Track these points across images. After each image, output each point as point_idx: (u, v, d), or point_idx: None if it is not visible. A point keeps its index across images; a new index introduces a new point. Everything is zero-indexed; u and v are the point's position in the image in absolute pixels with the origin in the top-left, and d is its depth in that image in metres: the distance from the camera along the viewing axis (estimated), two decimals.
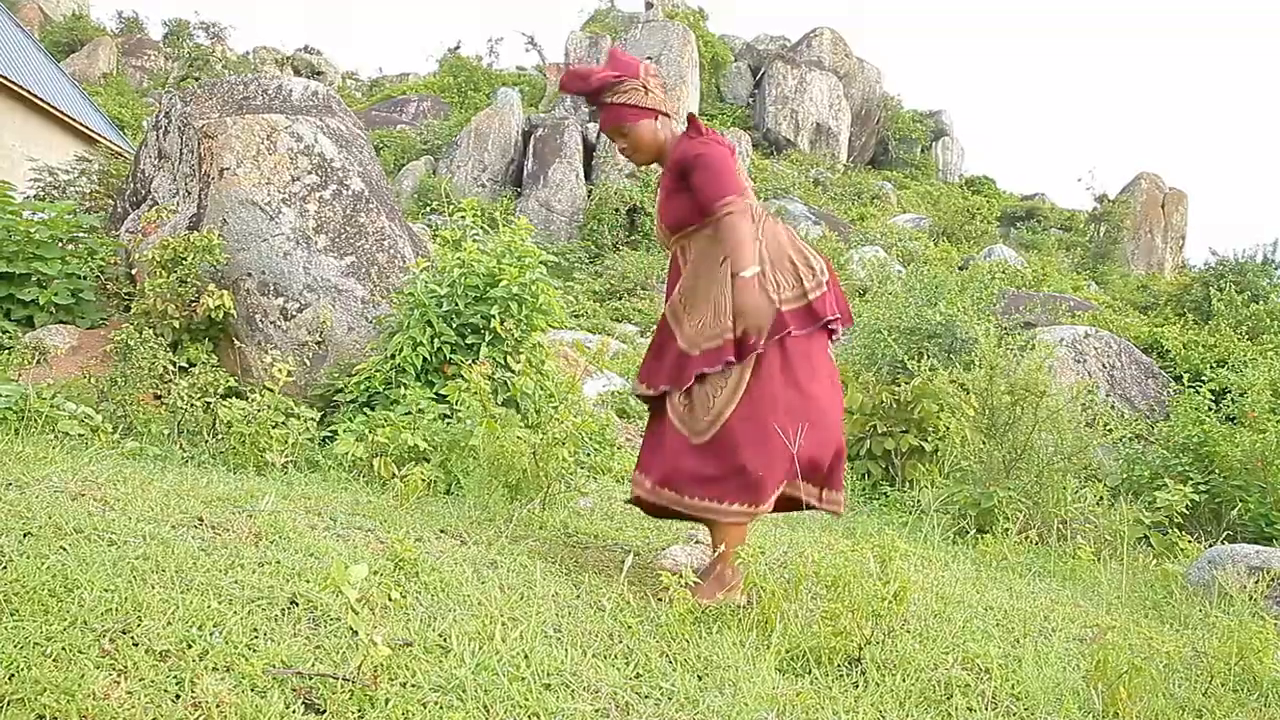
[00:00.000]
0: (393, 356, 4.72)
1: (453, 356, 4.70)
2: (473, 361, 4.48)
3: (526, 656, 1.85)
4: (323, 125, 6.10)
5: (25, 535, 1.97)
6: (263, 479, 3.48)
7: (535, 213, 20.52)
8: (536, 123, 23.72)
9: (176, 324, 5.16)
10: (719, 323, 2.43)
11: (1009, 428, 4.94)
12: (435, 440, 3.91)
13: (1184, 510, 4.62)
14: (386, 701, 1.55)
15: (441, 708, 1.58)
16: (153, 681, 1.47)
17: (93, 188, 8.98)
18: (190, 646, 1.59)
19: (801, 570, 2.45)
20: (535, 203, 21.35)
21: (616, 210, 19.66)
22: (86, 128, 16.39)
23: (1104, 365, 9.72)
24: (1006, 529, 4.28)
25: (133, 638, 1.58)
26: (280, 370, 3.99)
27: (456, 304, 4.79)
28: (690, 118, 2.60)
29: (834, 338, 2.67)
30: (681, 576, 2.25)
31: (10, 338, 5.39)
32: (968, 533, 4.48)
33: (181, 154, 6.58)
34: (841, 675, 2.10)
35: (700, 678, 1.97)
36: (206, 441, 4.11)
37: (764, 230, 2.52)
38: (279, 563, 2.10)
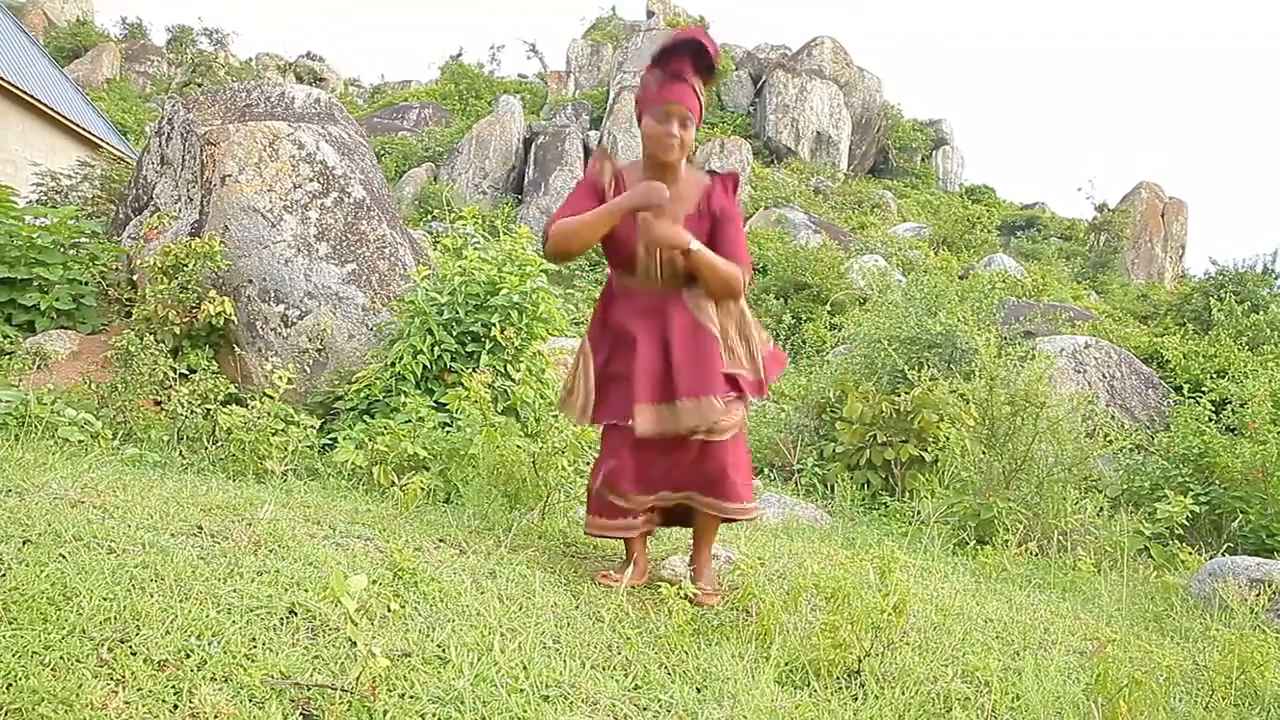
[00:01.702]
0: (393, 364, 4.72)
1: (453, 364, 4.70)
2: (473, 370, 4.48)
3: (525, 667, 1.85)
4: (325, 133, 6.12)
5: (24, 543, 1.97)
6: (262, 486, 3.48)
7: (536, 220, 20.57)
8: (538, 130, 23.81)
9: (177, 330, 5.17)
10: (755, 361, 2.66)
11: (1009, 438, 4.93)
12: (435, 449, 3.91)
13: (1184, 522, 4.62)
14: (385, 713, 1.55)
15: (440, 719, 1.58)
16: (151, 691, 1.47)
17: (95, 193, 9.00)
18: (189, 656, 1.59)
19: (801, 582, 2.46)
20: (536, 210, 21.41)
21: None
22: (89, 133, 16.42)
23: (1104, 375, 9.72)
24: (1006, 540, 4.27)
25: (131, 647, 1.58)
26: (280, 377, 3.99)
27: (457, 312, 4.79)
28: (733, 175, 2.68)
29: None
30: (680, 587, 2.25)
31: (11, 343, 5.39)
32: (967, 544, 4.47)
33: (184, 160, 6.59)
34: (841, 688, 2.09)
35: (699, 690, 1.96)
36: (206, 448, 4.11)
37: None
38: (278, 572, 2.10)
